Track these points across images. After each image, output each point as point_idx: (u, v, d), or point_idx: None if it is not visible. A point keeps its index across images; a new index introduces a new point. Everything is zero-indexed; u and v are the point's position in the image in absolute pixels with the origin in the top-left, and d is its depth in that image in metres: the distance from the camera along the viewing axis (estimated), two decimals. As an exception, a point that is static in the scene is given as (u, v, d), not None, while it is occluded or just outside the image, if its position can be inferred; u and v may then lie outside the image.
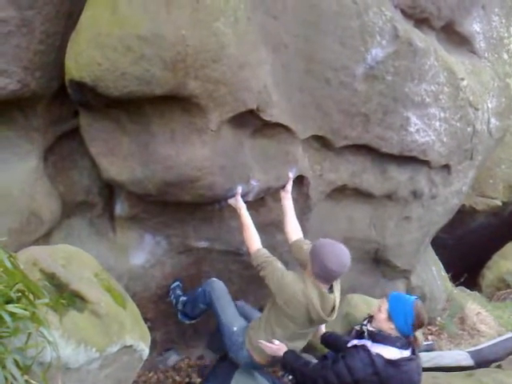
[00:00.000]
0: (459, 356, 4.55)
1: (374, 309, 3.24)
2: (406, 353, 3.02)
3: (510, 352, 4.92)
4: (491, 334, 5.77)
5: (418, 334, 3.13)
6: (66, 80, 2.85)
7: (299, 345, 3.58)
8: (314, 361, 3.53)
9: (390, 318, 3.04)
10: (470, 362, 4.52)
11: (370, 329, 3.14)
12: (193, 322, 4.07)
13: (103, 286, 2.72)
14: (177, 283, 4.10)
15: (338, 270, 3.13)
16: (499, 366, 4.72)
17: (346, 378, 2.99)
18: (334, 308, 3.31)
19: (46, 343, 2.00)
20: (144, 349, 2.82)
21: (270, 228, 4.03)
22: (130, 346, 2.67)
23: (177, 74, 2.84)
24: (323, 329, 3.83)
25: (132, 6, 2.67)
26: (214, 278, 3.88)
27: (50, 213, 3.29)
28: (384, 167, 4.33)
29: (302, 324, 3.38)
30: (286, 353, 3.39)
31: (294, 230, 3.64)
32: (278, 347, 3.41)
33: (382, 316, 3.09)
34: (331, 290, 3.30)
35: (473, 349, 4.80)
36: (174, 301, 4.04)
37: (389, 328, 3.04)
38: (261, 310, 4.62)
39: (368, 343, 3.06)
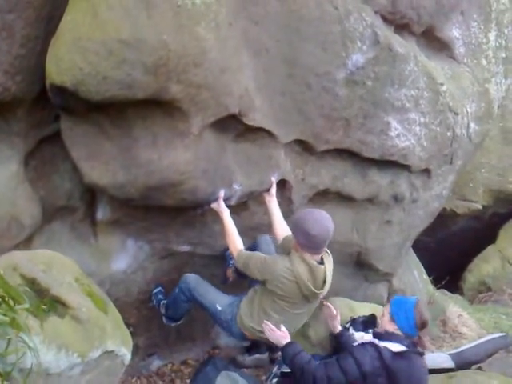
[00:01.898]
0: (440, 358, 4.57)
1: (379, 314, 3.28)
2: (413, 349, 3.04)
3: (491, 354, 4.97)
4: (473, 336, 5.82)
5: (424, 336, 3.12)
6: (46, 84, 2.83)
7: (297, 326, 3.59)
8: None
9: (393, 319, 3.07)
10: (450, 364, 4.55)
11: (377, 330, 3.18)
12: (179, 323, 4.05)
13: (84, 291, 2.71)
14: (158, 289, 4.08)
15: (321, 235, 3.17)
16: (480, 368, 4.76)
17: (354, 373, 2.96)
18: (325, 280, 3.31)
19: (26, 349, 1.98)
20: (126, 354, 2.82)
21: (253, 232, 4.04)
22: (112, 351, 2.67)
23: (159, 79, 2.85)
24: (339, 327, 3.81)
25: (113, 10, 2.67)
26: (186, 274, 3.84)
27: (30, 218, 3.26)
28: (365, 171, 4.37)
29: (297, 304, 3.38)
30: (288, 344, 3.30)
31: (283, 229, 3.66)
32: (282, 335, 3.32)
33: (386, 318, 3.13)
34: (322, 262, 3.31)
35: (454, 351, 4.83)
36: (157, 306, 4.03)
37: (393, 329, 3.07)
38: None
39: (375, 340, 3.08)
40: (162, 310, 3.98)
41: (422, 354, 3.08)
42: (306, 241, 3.20)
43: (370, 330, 3.26)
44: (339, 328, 3.83)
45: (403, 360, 2.98)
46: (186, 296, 3.75)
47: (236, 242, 3.53)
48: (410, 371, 2.97)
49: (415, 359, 3.02)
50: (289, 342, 3.31)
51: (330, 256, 3.42)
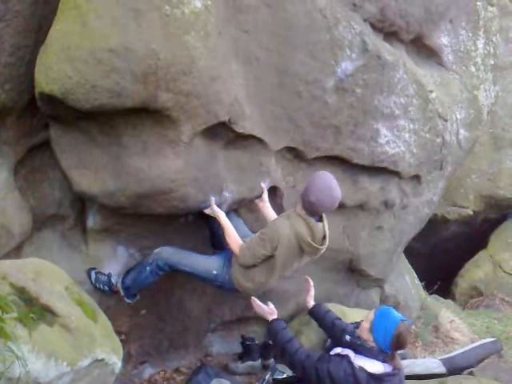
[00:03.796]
0: (431, 364, 4.59)
1: (365, 316, 3.20)
2: (389, 367, 2.95)
3: (482, 359, 5.00)
4: (465, 341, 5.84)
5: (396, 354, 3.02)
6: (35, 93, 2.84)
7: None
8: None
9: (371, 330, 3.02)
10: (442, 369, 4.56)
11: (353, 339, 3.12)
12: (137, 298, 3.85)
13: (74, 300, 2.71)
14: (92, 271, 3.74)
15: (320, 202, 3.26)
16: (471, 373, 4.78)
17: (326, 381, 2.92)
18: (324, 236, 3.42)
19: (14, 358, 1.98)
20: (116, 362, 2.81)
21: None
22: (102, 360, 2.66)
23: (148, 87, 2.86)
24: (312, 301, 3.69)
25: (101, 19, 2.68)
26: (157, 250, 3.62)
27: (20, 226, 3.25)
28: (355, 178, 4.39)
29: (294, 263, 3.51)
30: (273, 321, 3.27)
31: None
32: (270, 311, 3.31)
33: (366, 325, 3.04)
34: (320, 219, 3.41)
35: (445, 356, 4.85)
36: (107, 287, 3.71)
37: (369, 339, 2.99)
38: (238, 320, 4.65)
39: (351, 354, 2.99)
40: (123, 291, 3.71)
41: (397, 372, 2.99)
42: (306, 203, 3.30)
43: (348, 337, 3.19)
44: (312, 303, 3.67)
45: (379, 383, 2.89)
46: (165, 270, 3.60)
47: (236, 239, 3.53)
48: None
49: (392, 381, 2.93)
50: (274, 319, 3.29)
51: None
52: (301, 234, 3.32)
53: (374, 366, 2.92)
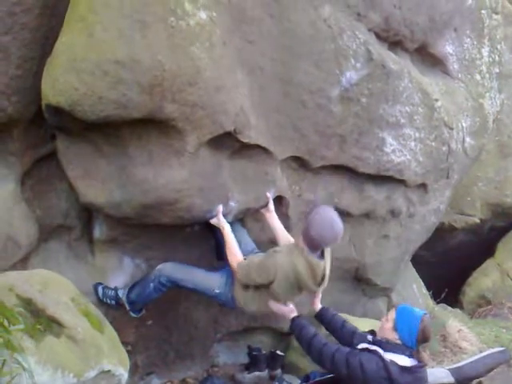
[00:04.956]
0: (440, 374, 4.55)
1: (383, 318, 3.26)
2: (416, 361, 3.03)
3: (491, 368, 4.95)
4: (473, 350, 5.78)
5: (423, 349, 3.15)
6: (42, 104, 2.86)
7: None
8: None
9: (395, 328, 3.06)
10: (450, 379, 4.53)
11: (377, 338, 3.16)
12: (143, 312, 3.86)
13: (80, 311, 2.71)
14: (99, 286, 3.76)
15: (321, 238, 3.19)
16: (480, 383, 4.74)
17: (357, 374, 2.95)
18: (324, 275, 3.35)
19: (21, 370, 1.98)
20: (123, 373, 2.80)
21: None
22: (108, 371, 2.65)
23: (154, 98, 2.88)
24: (319, 304, 3.72)
25: (108, 31, 2.70)
26: (159, 267, 3.60)
27: (27, 237, 3.26)
28: (361, 187, 4.38)
29: (293, 296, 3.47)
30: (295, 318, 3.39)
31: (289, 242, 3.65)
32: (290, 310, 3.42)
33: (389, 325, 3.11)
34: (322, 256, 3.34)
35: (453, 366, 4.81)
36: (114, 302, 3.71)
37: (394, 338, 3.06)
38: (244, 330, 4.64)
39: (380, 350, 3.04)
40: (128, 306, 3.71)
41: (424, 366, 3.08)
42: (307, 237, 3.24)
43: (370, 337, 3.23)
44: (319, 306, 3.71)
45: (410, 375, 2.96)
46: (168, 287, 3.59)
47: (237, 255, 3.50)
48: None
49: (420, 373, 3.02)
50: (296, 316, 3.39)
51: (329, 250, 3.43)
52: (300, 274, 3.26)
53: (404, 360, 2.99)
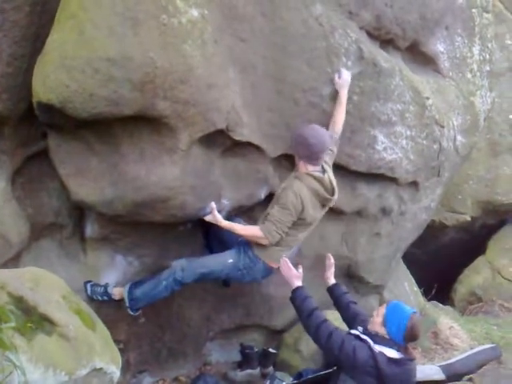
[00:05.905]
0: (430, 370, 4.57)
1: (374, 312, 3.34)
2: (404, 355, 3.12)
3: (481, 365, 4.97)
4: (464, 347, 5.81)
5: (411, 346, 3.22)
6: (33, 102, 2.85)
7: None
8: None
9: (385, 324, 3.12)
10: (441, 376, 4.54)
11: (368, 329, 3.23)
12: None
13: (72, 309, 2.70)
14: (87, 284, 3.68)
15: (319, 142, 3.39)
16: (470, 380, 4.76)
17: (349, 358, 3.06)
18: (333, 187, 3.57)
19: (12, 368, 1.97)
20: (115, 371, 2.80)
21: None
22: (100, 369, 2.65)
23: (145, 95, 2.88)
24: (332, 279, 3.87)
25: (99, 28, 2.70)
26: (173, 263, 3.59)
27: (18, 235, 3.25)
28: (353, 185, 4.40)
29: (319, 216, 3.65)
30: (299, 287, 3.44)
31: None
32: (297, 275, 3.48)
33: (379, 320, 3.19)
34: (323, 171, 3.55)
35: (444, 363, 4.83)
36: (103, 295, 3.66)
37: (382, 333, 3.14)
38: (237, 328, 4.64)
39: (370, 341, 3.13)
40: (128, 302, 3.64)
41: (413, 359, 3.17)
42: (306, 151, 3.40)
43: (360, 328, 3.28)
44: (333, 280, 3.86)
45: (397, 367, 3.05)
46: (183, 284, 3.56)
47: (250, 228, 3.57)
48: (401, 378, 3.07)
49: (408, 365, 3.11)
50: (298, 287, 3.45)
51: (328, 167, 3.65)
52: (317, 191, 3.46)
53: (392, 353, 3.09)
